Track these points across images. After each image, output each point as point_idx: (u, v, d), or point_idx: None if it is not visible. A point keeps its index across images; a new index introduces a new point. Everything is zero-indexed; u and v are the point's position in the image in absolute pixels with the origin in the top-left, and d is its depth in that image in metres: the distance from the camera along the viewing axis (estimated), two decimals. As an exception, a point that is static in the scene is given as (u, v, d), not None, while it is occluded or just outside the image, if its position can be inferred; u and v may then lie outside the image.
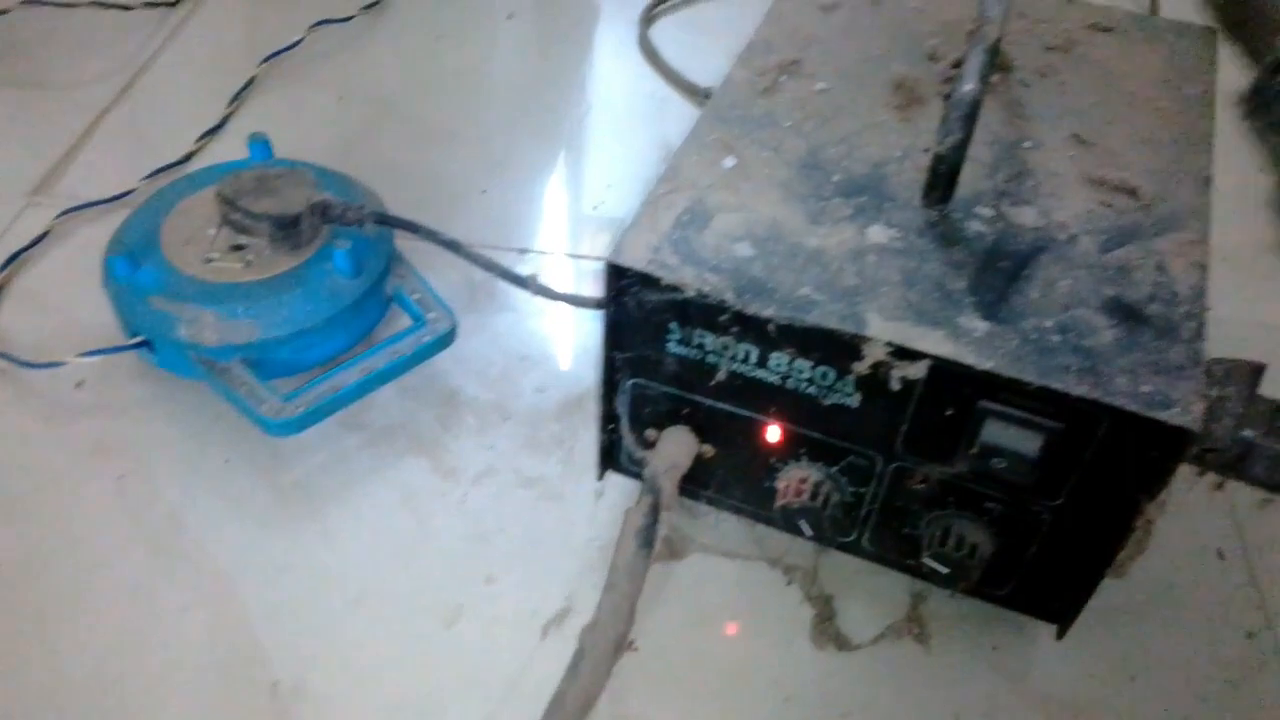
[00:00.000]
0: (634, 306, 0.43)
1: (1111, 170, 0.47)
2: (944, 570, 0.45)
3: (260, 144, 0.65)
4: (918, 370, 0.39)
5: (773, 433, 0.46)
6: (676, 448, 0.48)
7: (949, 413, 0.41)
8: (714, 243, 0.43)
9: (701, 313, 0.42)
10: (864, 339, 0.39)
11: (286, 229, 0.57)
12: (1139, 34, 0.56)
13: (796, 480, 0.46)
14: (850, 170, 0.47)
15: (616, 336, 0.45)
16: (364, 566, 0.52)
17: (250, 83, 0.82)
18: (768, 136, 0.48)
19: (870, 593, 0.51)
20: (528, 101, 0.84)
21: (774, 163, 0.47)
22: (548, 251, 0.70)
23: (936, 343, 0.39)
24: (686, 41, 0.91)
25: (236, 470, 0.56)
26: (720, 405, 0.46)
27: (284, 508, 0.54)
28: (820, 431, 0.45)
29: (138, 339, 0.57)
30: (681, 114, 0.83)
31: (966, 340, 0.39)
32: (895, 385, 0.40)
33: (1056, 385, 0.37)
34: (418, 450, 0.57)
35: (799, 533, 0.47)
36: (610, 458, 0.52)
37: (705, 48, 0.90)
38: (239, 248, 0.59)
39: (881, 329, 0.39)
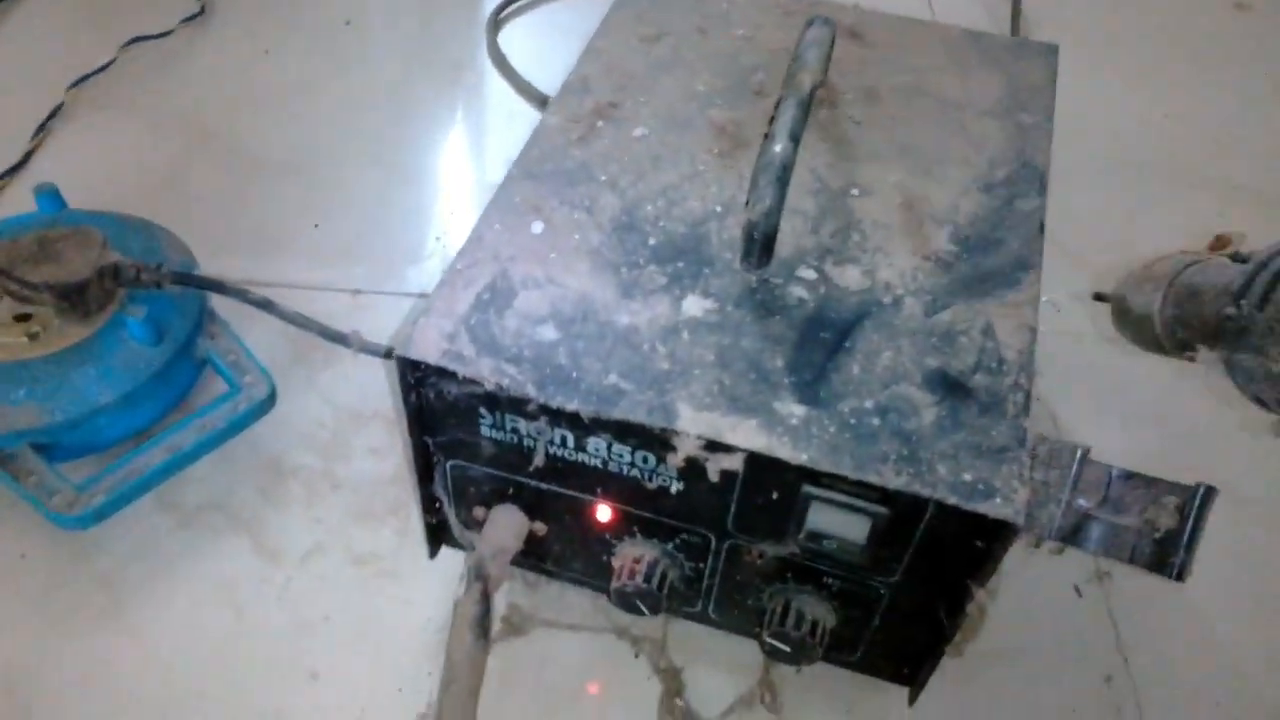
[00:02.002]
0: (435, 397, 0.40)
1: (940, 219, 0.45)
2: (786, 649, 0.43)
3: (48, 195, 0.59)
4: (733, 462, 0.37)
5: (603, 512, 0.43)
6: (504, 530, 0.45)
7: (774, 497, 0.38)
8: (515, 326, 0.39)
9: (508, 401, 0.39)
10: (674, 433, 0.36)
11: (71, 298, 0.52)
12: (977, 57, 0.54)
13: (630, 561, 0.43)
14: (668, 230, 0.43)
15: (424, 423, 0.42)
16: (175, 671, 0.47)
17: (57, 111, 0.76)
18: (580, 194, 0.45)
19: (721, 660, 0.49)
20: (366, 120, 0.79)
21: (586, 225, 0.43)
22: (385, 291, 0.66)
23: (750, 435, 0.36)
24: (537, 46, 0.87)
25: (33, 565, 0.51)
26: (546, 486, 0.43)
27: (86, 607, 0.49)
28: (650, 511, 0.42)
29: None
30: (531, 127, 0.79)
31: (782, 430, 0.36)
32: (713, 476, 0.37)
33: (874, 479, 0.35)
34: (237, 529, 0.53)
35: (638, 613, 0.45)
36: (441, 535, 0.49)
37: (556, 52, 0.86)
38: (24, 318, 0.53)
39: (693, 421, 0.36)
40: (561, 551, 0.47)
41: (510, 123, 0.80)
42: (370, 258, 0.68)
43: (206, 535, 0.52)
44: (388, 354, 0.53)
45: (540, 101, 0.80)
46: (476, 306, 0.40)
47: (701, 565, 0.44)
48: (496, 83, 0.83)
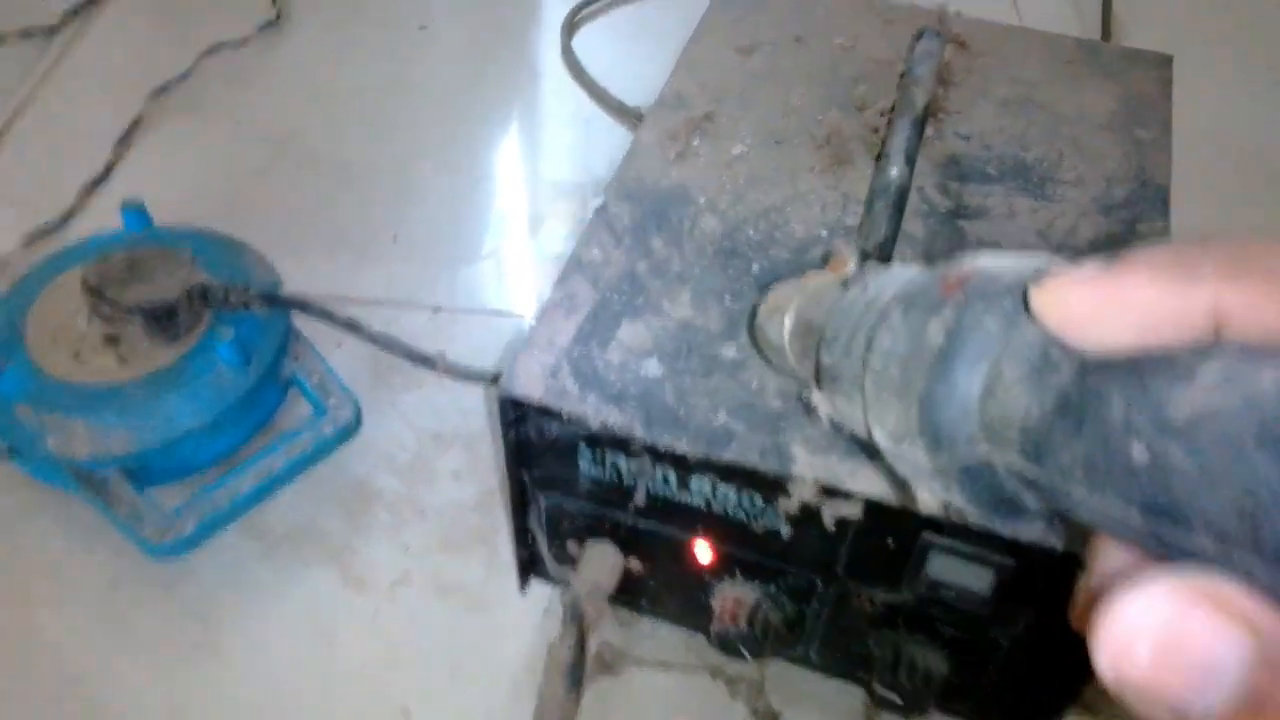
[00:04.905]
0: (535, 434, 0.39)
1: (1057, 242, 0.42)
2: (897, 700, 0.41)
3: (134, 212, 0.59)
4: (852, 509, 0.35)
5: (703, 552, 0.42)
6: (599, 567, 0.43)
7: (890, 543, 0.36)
8: (619, 360, 0.38)
9: (611, 439, 0.37)
10: (789, 478, 0.35)
11: (161, 320, 0.52)
12: (1087, 67, 0.51)
13: (731, 602, 0.42)
14: (771, 256, 0.42)
15: (521, 458, 0.41)
16: (267, 705, 0.47)
17: (137, 122, 0.76)
18: (679, 217, 0.43)
19: (821, 704, 0.47)
20: (441, 129, 0.78)
21: (686, 251, 0.42)
22: (465, 309, 0.65)
23: (870, 480, 0.34)
24: (612, 50, 0.85)
25: (124, 593, 0.51)
26: (644, 523, 0.41)
27: (178, 636, 0.49)
28: (753, 552, 0.40)
29: (3, 446, 0.51)
30: (608, 136, 0.77)
31: (904, 475, 0.34)
32: (829, 524, 0.36)
33: (1005, 530, 0.33)
34: (325, 558, 0.52)
35: (739, 656, 0.43)
36: (531, 568, 0.47)
37: (632, 56, 0.84)
38: (113, 339, 0.53)
39: (808, 465, 0.35)
40: (657, 589, 0.45)
41: (588, 130, 0.78)
42: (449, 272, 0.67)
43: (295, 563, 0.52)
44: (494, 380, 0.52)
45: (615, 107, 0.78)
46: (578, 339, 0.38)
47: (805, 608, 0.42)
48: (572, 88, 0.82)
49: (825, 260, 0.37)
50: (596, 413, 0.36)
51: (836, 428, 0.34)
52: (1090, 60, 0.51)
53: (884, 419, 0.27)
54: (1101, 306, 0.20)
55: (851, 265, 0.34)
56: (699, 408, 0.36)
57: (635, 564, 0.44)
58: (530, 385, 0.37)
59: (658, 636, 0.49)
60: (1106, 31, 0.82)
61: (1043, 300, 0.21)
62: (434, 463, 0.56)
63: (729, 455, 0.35)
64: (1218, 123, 0.76)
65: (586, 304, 0.40)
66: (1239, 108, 0.80)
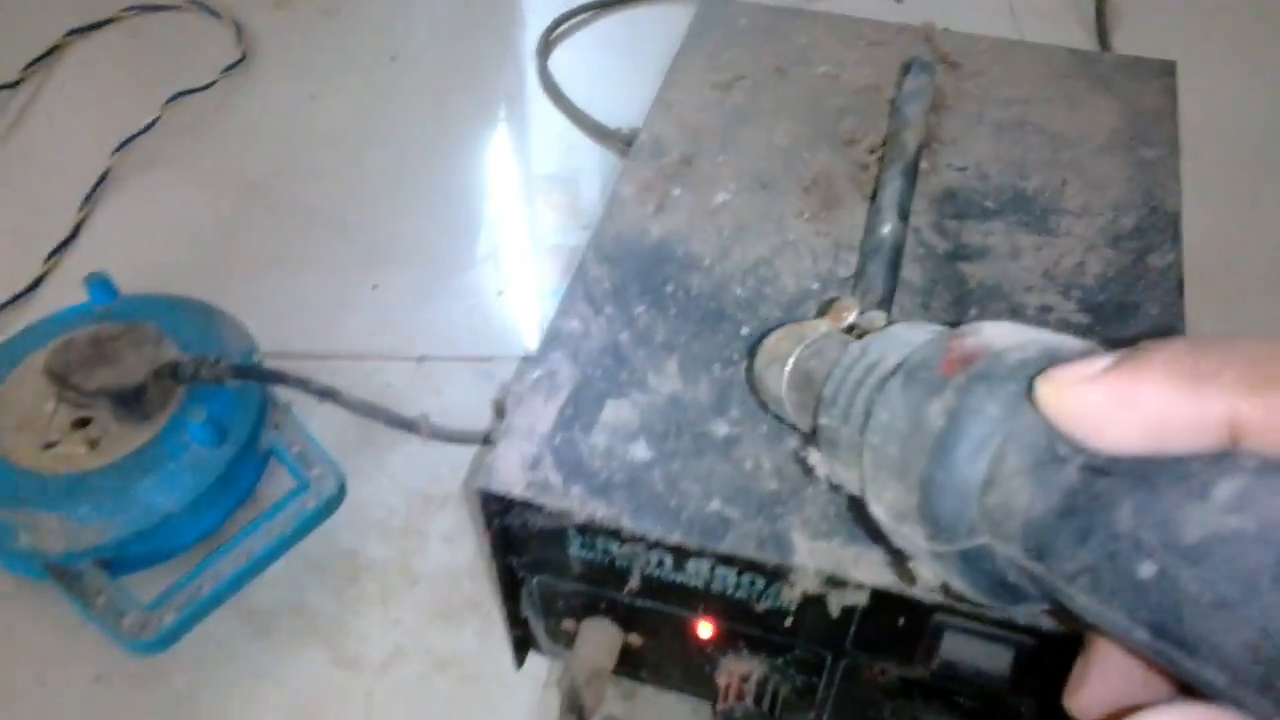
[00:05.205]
0: (519, 525, 0.36)
1: (1066, 282, 0.40)
2: (915, 772, 0.39)
3: (99, 285, 0.56)
4: (858, 597, 0.33)
5: (704, 629, 0.39)
6: (597, 647, 0.41)
7: (901, 624, 0.34)
8: (604, 444, 0.36)
9: (600, 527, 0.35)
10: (790, 568, 0.32)
11: (130, 402, 0.50)
12: (1085, 81, 0.48)
13: (737, 679, 0.40)
14: (761, 316, 0.39)
15: (508, 546, 0.38)
16: (260, 800, 0.45)
17: (103, 178, 0.73)
18: (662, 278, 0.41)
19: (836, 767, 0.45)
20: (418, 165, 0.75)
21: (671, 315, 0.39)
22: (448, 357, 0.62)
23: (876, 569, 0.32)
24: (590, 69, 0.82)
25: (108, 688, 0.48)
26: (641, 603, 0.39)
27: (167, 731, 0.47)
28: (757, 629, 0.38)
29: (-25, 544, 0.49)
30: (592, 162, 0.75)
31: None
32: (834, 611, 0.33)
33: (1023, 619, 0.31)
34: (314, 637, 0.50)
35: (748, 734, 0.41)
36: (527, 646, 0.45)
37: (611, 73, 0.82)
38: (83, 422, 0.51)
39: (809, 553, 0.32)
40: (658, 662, 0.43)
41: (568, 156, 0.76)
42: (431, 319, 0.65)
43: (284, 644, 0.50)
44: (484, 440, 0.50)
45: (597, 131, 0.76)
46: (560, 423, 0.36)
47: (815, 679, 0.40)
48: (551, 114, 0.79)
49: (822, 310, 0.35)
50: (582, 506, 0.34)
51: (834, 488, 0.33)
52: (1088, 73, 0.49)
53: (882, 496, 0.26)
54: (1112, 407, 0.19)
55: (853, 315, 0.33)
56: (691, 494, 0.34)
57: (634, 639, 0.42)
58: (511, 479, 0.35)
59: (660, 704, 0.47)
60: (1102, 25, 0.79)
61: (1049, 394, 0.20)
62: (424, 526, 0.54)
63: (724, 547, 0.33)
64: (1221, 124, 0.73)
65: (567, 384, 0.37)
66: (1242, 105, 0.77)
